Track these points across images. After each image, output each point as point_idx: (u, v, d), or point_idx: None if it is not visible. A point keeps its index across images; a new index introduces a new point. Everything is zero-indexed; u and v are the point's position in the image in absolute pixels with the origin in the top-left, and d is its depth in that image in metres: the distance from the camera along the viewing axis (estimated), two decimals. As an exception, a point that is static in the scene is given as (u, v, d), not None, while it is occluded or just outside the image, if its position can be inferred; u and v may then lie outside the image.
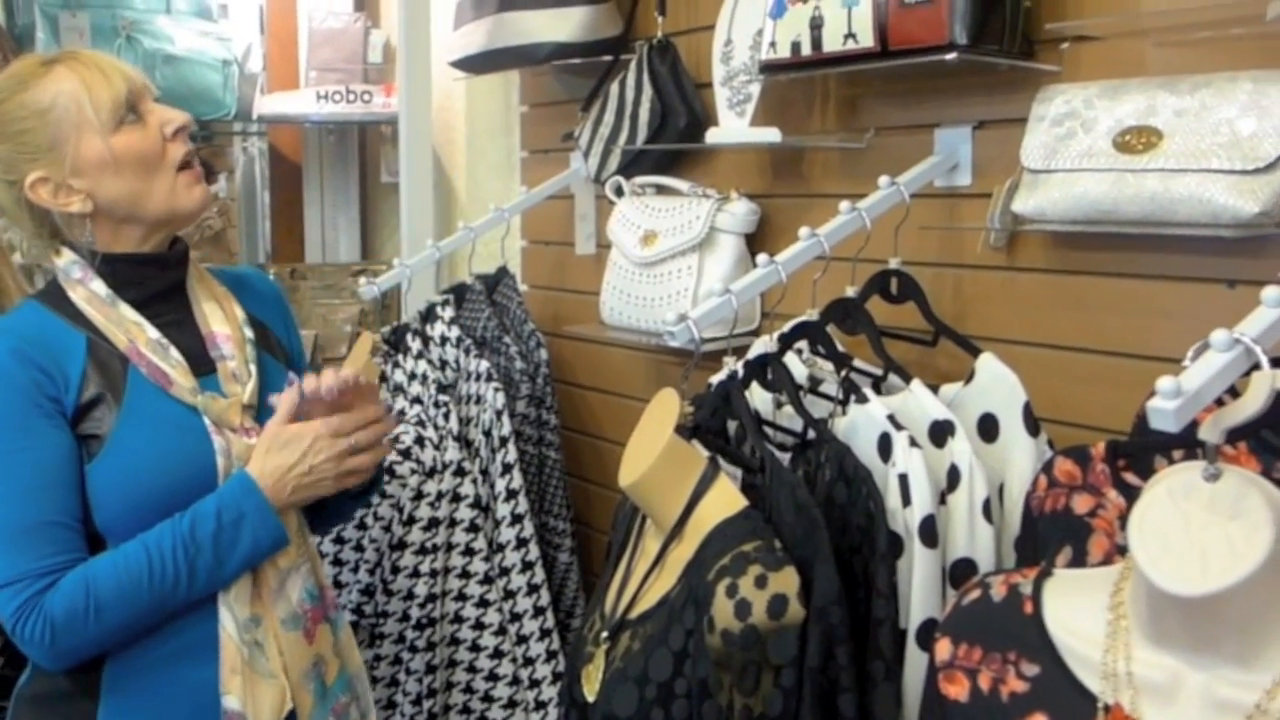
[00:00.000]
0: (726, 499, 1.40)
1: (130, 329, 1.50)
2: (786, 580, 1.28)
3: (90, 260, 1.53)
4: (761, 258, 1.59)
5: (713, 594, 1.30)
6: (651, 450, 1.46)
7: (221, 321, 1.58)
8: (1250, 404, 0.96)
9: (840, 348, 1.63)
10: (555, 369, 2.40)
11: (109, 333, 1.50)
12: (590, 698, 1.46)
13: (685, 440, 1.47)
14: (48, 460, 1.42)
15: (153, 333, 1.52)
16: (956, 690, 1.13)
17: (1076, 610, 1.08)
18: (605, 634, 1.49)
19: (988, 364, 1.48)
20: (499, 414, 2.15)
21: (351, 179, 3.62)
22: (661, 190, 2.17)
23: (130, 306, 1.52)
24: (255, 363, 1.59)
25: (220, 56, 3.14)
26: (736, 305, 1.55)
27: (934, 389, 1.55)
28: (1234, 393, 1.01)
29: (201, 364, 1.54)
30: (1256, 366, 0.98)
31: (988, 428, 1.48)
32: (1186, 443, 1.16)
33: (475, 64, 2.44)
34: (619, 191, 2.23)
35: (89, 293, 1.52)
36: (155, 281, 1.56)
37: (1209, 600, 0.94)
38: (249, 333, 1.61)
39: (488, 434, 2.15)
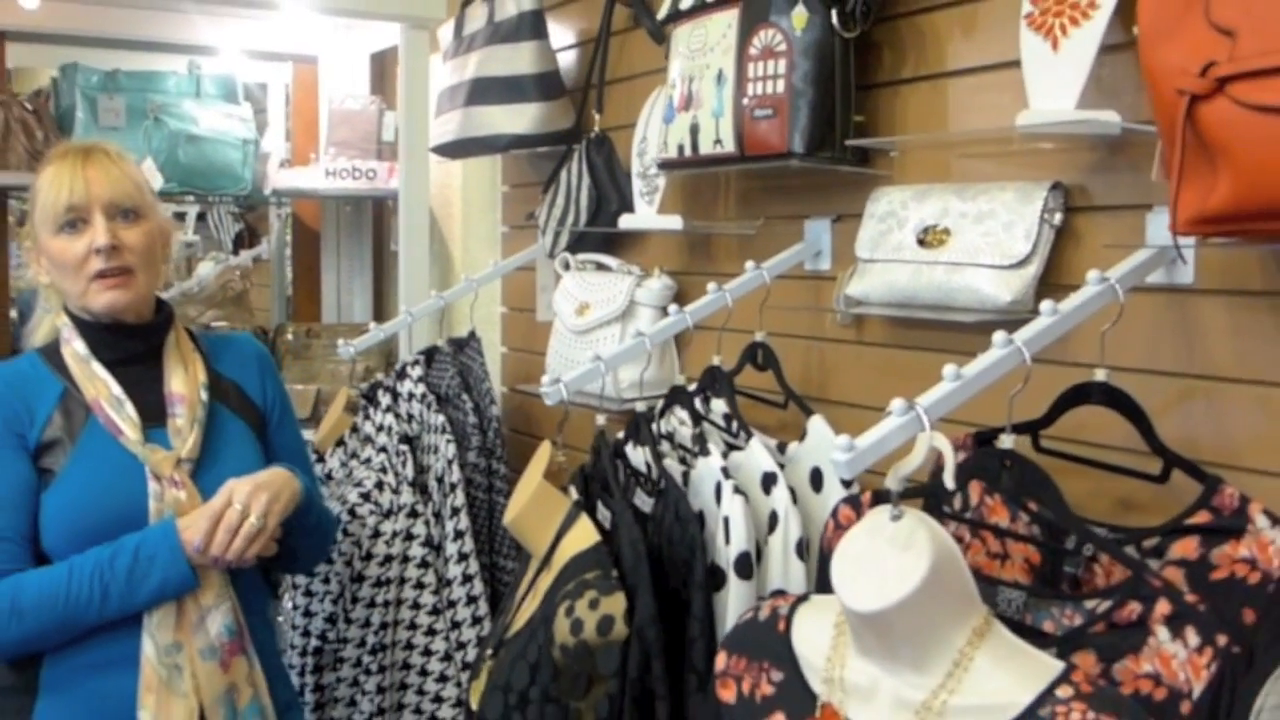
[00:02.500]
0: (584, 535, 1.67)
1: (97, 385, 1.78)
2: (615, 604, 1.54)
3: (75, 324, 1.82)
4: (672, 308, 1.90)
5: (555, 613, 1.56)
6: (526, 494, 1.73)
7: (181, 383, 1.84)
8: (915, 458, 1.19)
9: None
10: (517, 421, 2.68)
11: (82, 385, 1.79)
12: (475, 706, 1.73)
13: (559, 486, 1.74)
14: (5, 483, 1.72)
15: (115, 389, 1.78)
16: (727, 694, 1.38)
17: (815, 627, 1.32)
18: (490, 651, 1.76)
19: (815, 425, 1.74)
20: (450, 463, 2.43)
21: (365, 247, 3.94)
22: (599, 267, 2.45)
23: (102, 365, 1.79)
24: (201, 423, 1.82)
25: (241, 136, 3.48)
26: (650, 346, 1.86)
27: (783, 447, 1.81)
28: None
29: (157, 417, 1.80)
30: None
31: (816, 480, 1.73)
32: (927, 493, 1.41)
33: (449, 150, 2.74)
34: (565, 266, 2.51)
35: (73, 351, 1.81)
36: (126, 347, 1.83)
37: (882, 616, 1.18)
38: (204, 395, 1.85)
39: (440, 480, 2.44)
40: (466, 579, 2.42)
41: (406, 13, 3.14)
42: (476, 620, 2.43)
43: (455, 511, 2.42)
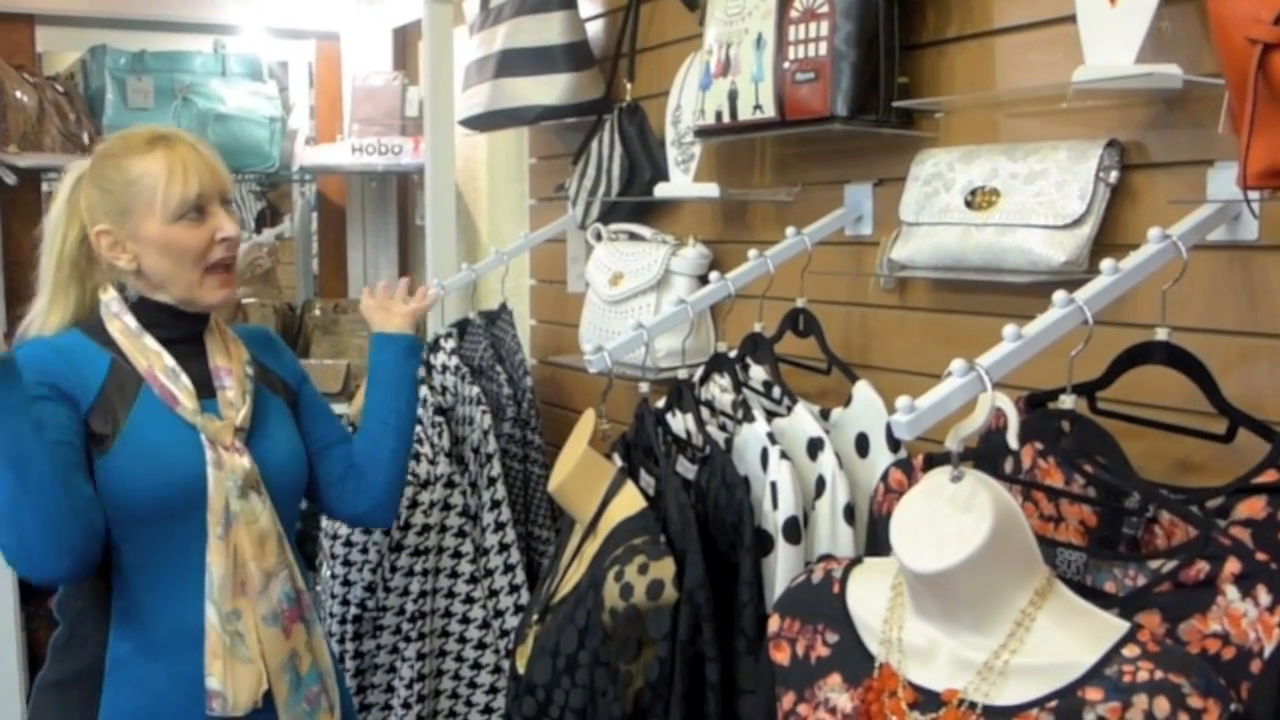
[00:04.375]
0: (630, 501, 1.66)
1: (150, 356, 1.75)
2: (664, 568, 1.53)
3: (126, 301, 1.79)
4: (713, 275, 1.87)
5: (604, 578, 1.55)
6: (571, 461, 1.72)
7: (226, 359, 1.84)
8: (977, 419, 1.18)
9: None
10: (548, 393, 2.67)
11: (132, 357, 1.75)
12: (521, 670, 1.72)
13: (602, 454, 1.73)
14: (57, 426, 1.64)
15: (169, 360, 1.76)
16: (781, 656, 1.37)
17: (871, 590, 1.31)
18: (535, 617, 1.75)
19: (861, 390, 1.72)
20: (485, 434, 2.42)
21: (391, 222, 3.93)
22: (632, 237, 2.44)
23: (153, 339, 1.77)
24: (251, 395, 1.82)
25: (268, 114, 3.48)
26: (692, 314, 1.85)
27: (826, 413, 1.80)
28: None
29: (206, 391, 1.78)
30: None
31: (862, 445, 1.72)
32: (977, 455, 1.40)
33: (478, 123, 2.73)
34: (598, 237, 2.50)
35: (122, 325, 1.77)
36: (177, 328, 1.80)
37: (943, 577, 1.17)
38: (249, 370, 1.86)
39: (476, 451, 2.43)
40: (503, 548, 2.42)
41: (430, -15, 3.13)
42: (514, 588, 2.43)
43: (491, 481, 2.41)
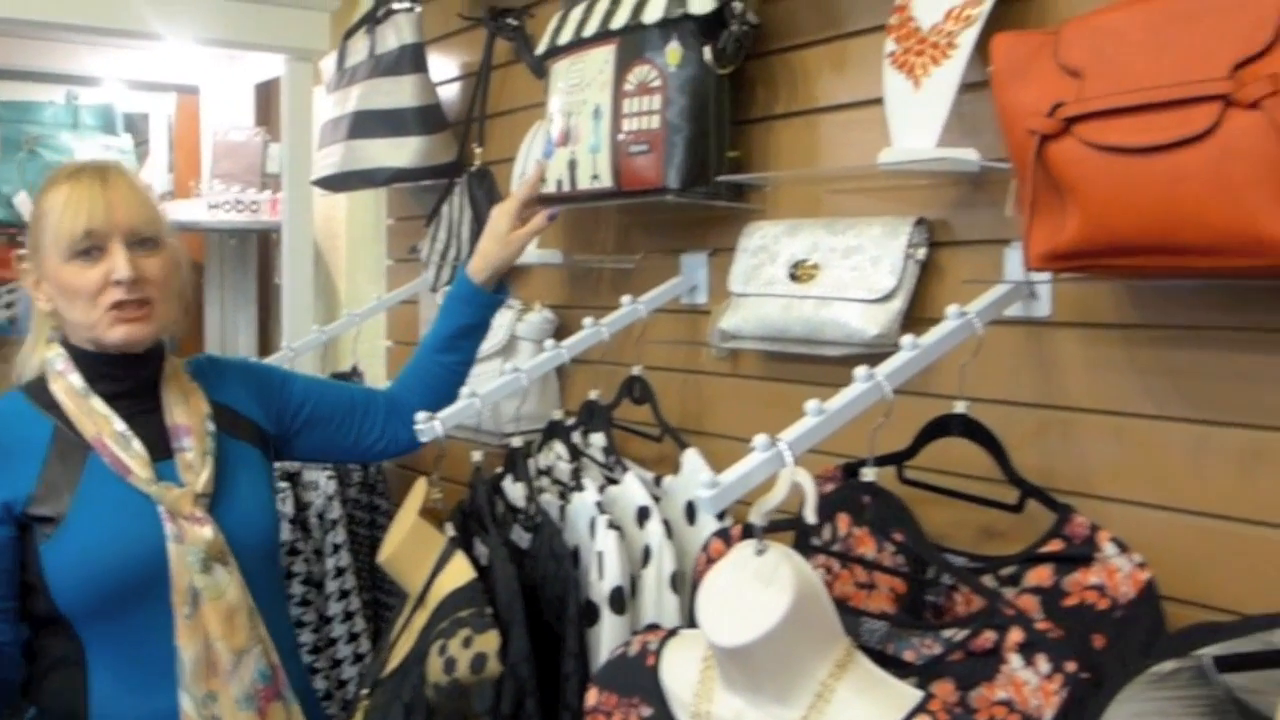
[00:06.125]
0: (459, 572, 1.65)
1: (98, 421, 1.63)
2: (489, 641, 1.52)
3: (71, 356, 1.67)
4: (549, 342, 1.87)
5: (428, 652, 1.54)
6: (400, 532, 1.71)
7: (185, 414, 1.70)
8: (777, 493, 1.20)
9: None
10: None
11: (78, 422, 1.63)
12: (350, 746, 1.70)
13: (436, 523, 1.72)
14: None
15: (119, 425, 1.63)
16: (598, 730, 1.37)
17: (683, 662, 1.33)
18: (366, 690, 1.73)
19: (689, 458, 1.75)
20: (330, 499, 2.39)
21: (250, 279, 3.88)
22: (482, 300, 2.44)
23: (101, 399, 1.65)
24: (212, 454, 1.69)
25: (120, 169, 3.41)
26: (526, 382, 1.83)
27: (659, 480, 1.82)
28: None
29: (162, 451, 1.66)
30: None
31: (691, 512, 1.74)
32: (797, 525, 1.42)
33: (332, 183, 2.72)
34: (449, 300, 2.49)
35: (67, 384, 1.65)
36: (124, 378, 1.68)
37: (744, 650, 1.19)
38: (210, 426, 1.72)
39: (320, 517, 2.40)
40: (347, 616, 2.38)
41: (289, 44, 3.11)
42: (358, 658, 2.39)
43: (336, 548, 2.38)
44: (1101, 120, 1.14)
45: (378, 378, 3.05)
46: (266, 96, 3.85)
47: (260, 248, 3.89)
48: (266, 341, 3.89)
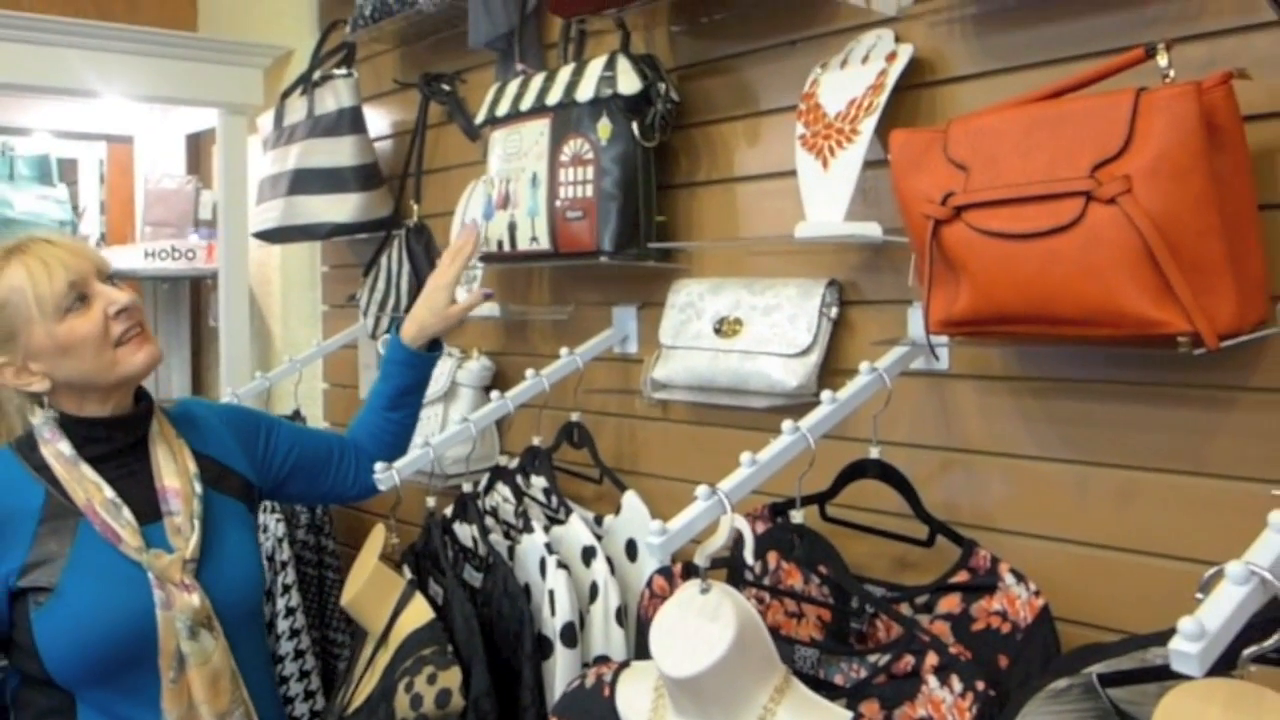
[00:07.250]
0: (419, 613, 1.78)
1: (89, 488, 1.65)
2: (451, 677, 1.66)
3: (60, 424, 1.69)
4: (494, 393, 2.01)
5: (395, 689, 1.67)
6: (362, 575, 1.83)
7: (174, 475, 1.72)
8: (719, 537, 1.36)
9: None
10: (343, 499, 2.76)
11: (69, 488, 1.65)
12: (316, 781, 1.81)
13: (392, 565, 1.85)
14: None
15: (109, 493, 1.65)
16: (557, 758, 1.51)
17: (637, 692, 1.47)
18: (331, 726, 1.85)
19: (629, 500, 1.90)
20: (280, 541, 2.50)
21: (183, 323, 3.95)
22: (422, 348, 2.57)
23: (90, 466, 1.67)
24: (200, 518, 1.71)
25: (58, 218, 3.48)
26: (475, 432, 1.95)
27: (600, 519, 1.97)
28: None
29: (150, 514, 1.69)
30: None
31: (631, 550, 1.89)
32: (730, 563, 1.58)
33: (272, 237, 2.82)
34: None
35: (56, 450, 1.67)
36: (116, 441, 1.71)
37: (694, 680, 1.33)
38: (198, 487, 1.74)
39: (270, 559, 2.50)
40: (298, 654, 2.49)
41: (224, 99, 3.22)
42: (309, 694, 2.50)
43: (286, 589, 2.49)
44: (986, 209, 1.31)
45: (316, 418, 3.16)
46: (197, 146, 3.93)
47: (192, 291, 3.96)
48: (199, 384, 3.96)
